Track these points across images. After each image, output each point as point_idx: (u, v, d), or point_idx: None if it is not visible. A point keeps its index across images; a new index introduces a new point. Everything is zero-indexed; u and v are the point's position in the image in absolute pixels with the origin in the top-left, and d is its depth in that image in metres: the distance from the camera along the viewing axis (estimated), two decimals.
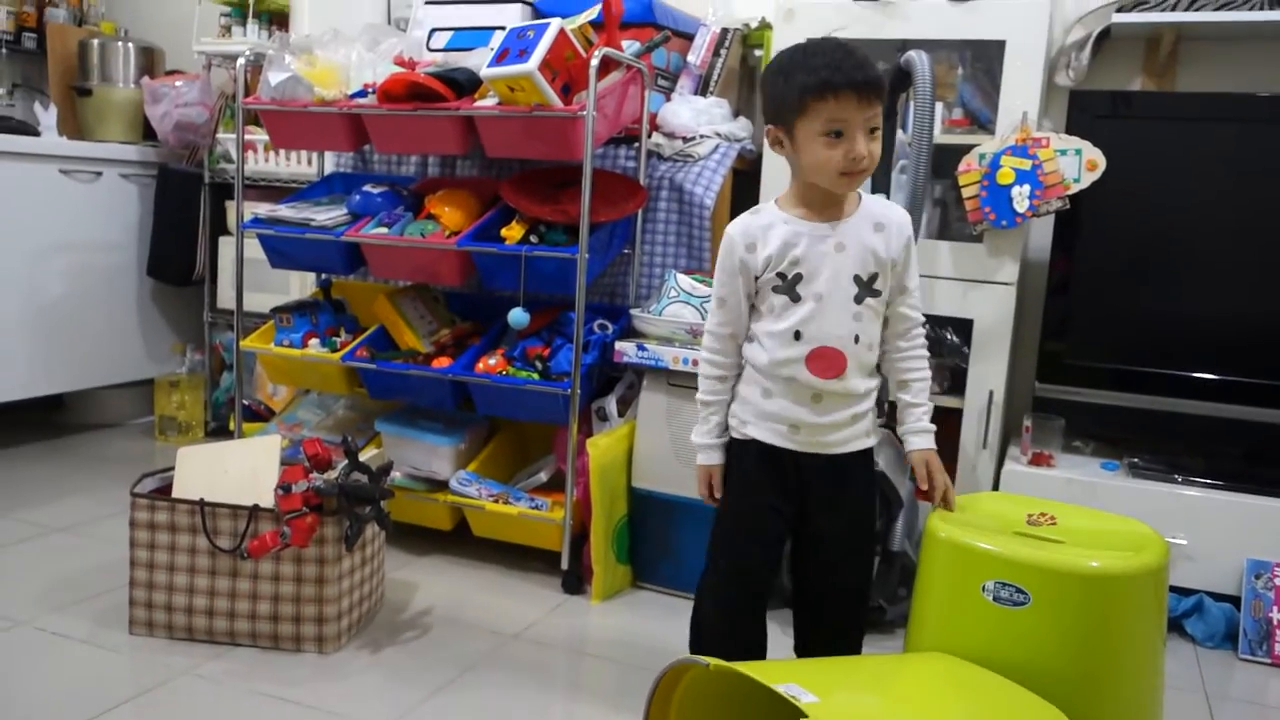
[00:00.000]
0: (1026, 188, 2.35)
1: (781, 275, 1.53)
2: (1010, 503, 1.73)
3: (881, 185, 2.34)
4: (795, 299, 1.53)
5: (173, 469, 2.11)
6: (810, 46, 1.49)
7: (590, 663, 2.09)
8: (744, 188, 2.65)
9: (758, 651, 1.67)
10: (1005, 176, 2.37)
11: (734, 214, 2.64)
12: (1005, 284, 2.44)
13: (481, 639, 2.11)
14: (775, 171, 2.59)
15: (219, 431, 3.55)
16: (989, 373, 2.46)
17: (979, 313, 2.46)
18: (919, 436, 1.62)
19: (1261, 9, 2.40)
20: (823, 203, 1.54)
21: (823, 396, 1.54)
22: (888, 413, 2.28)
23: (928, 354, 1.64)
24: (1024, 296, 2.59)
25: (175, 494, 2.04)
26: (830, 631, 1.66)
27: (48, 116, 3.47)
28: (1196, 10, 2.45)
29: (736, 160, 2.63)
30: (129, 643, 2.02)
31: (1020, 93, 2.39)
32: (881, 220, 1.55)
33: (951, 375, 2.61)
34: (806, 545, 1.64)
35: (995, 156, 2.38)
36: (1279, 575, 2.19)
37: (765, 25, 2.82)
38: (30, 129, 3.39)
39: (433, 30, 2.74)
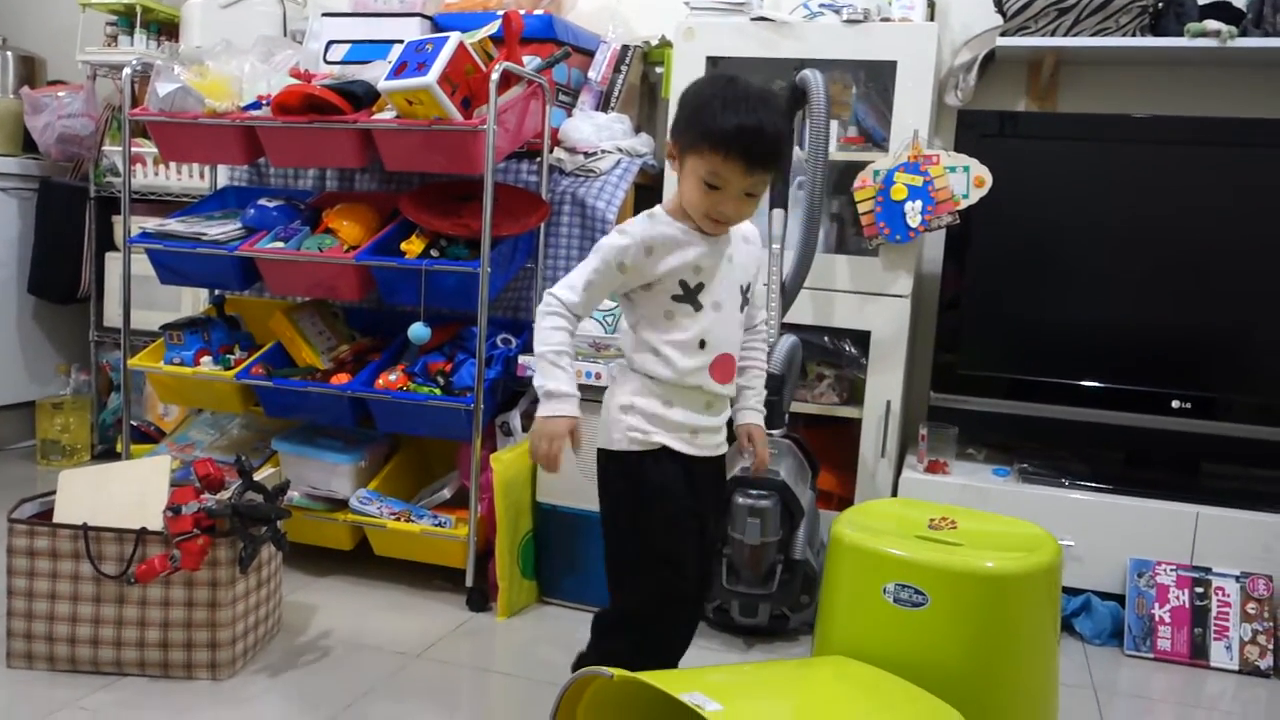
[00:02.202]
0: (919, 203, 2.43)
1: (684, 284, 1.53)
2: (913, 508, 1.77)
3: (780, 201, 2.38)
4: (697, 308, 1.53)
5: (54, 493, 2.01)
6: (732, 94, 1.45)
7: (496, 679, 2.06)
8: (646, 202, 2.64)
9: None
10: (899, 192, 2.44)
11: None
12: (900, 296, 2.51)
13: (384, 660, 2.07)
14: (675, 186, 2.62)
15: (107, 454, 3.40)
16: (886, 383, 2.52)
17: (876, 325, 2.52)
18: (750, 413, 1.69)
19: (1135, 35, 2.53)
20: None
21: (714, 402, 1.57)
22: (790, 424, 2.34)
23: (766, 346, 1.73)
24: (918, 309, 2.66)
25: (56, 519, 1.95)
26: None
27: None
28: (1075, 35, 2.56)
29: (638, 175, 2.65)
30: (6, 676, 1.91)
31: (911, 112, 2.47)
32: (747, 234, 1.62)
33: (850, 386, 2.67)
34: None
35: (889, 173, 2.45)
36: (1160, 574, 2.29)
37: (665, 43, 2.86)
38: None
39: (330, 43, 2.69)
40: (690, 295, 1.53)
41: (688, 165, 1.49)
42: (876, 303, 2.52)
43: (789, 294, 2.38)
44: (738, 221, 1.53)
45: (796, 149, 2.48)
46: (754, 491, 2.13)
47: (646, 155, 2.71)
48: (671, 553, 1.54)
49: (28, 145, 3.45)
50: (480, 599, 2.34)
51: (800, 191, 2.44)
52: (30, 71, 3.55)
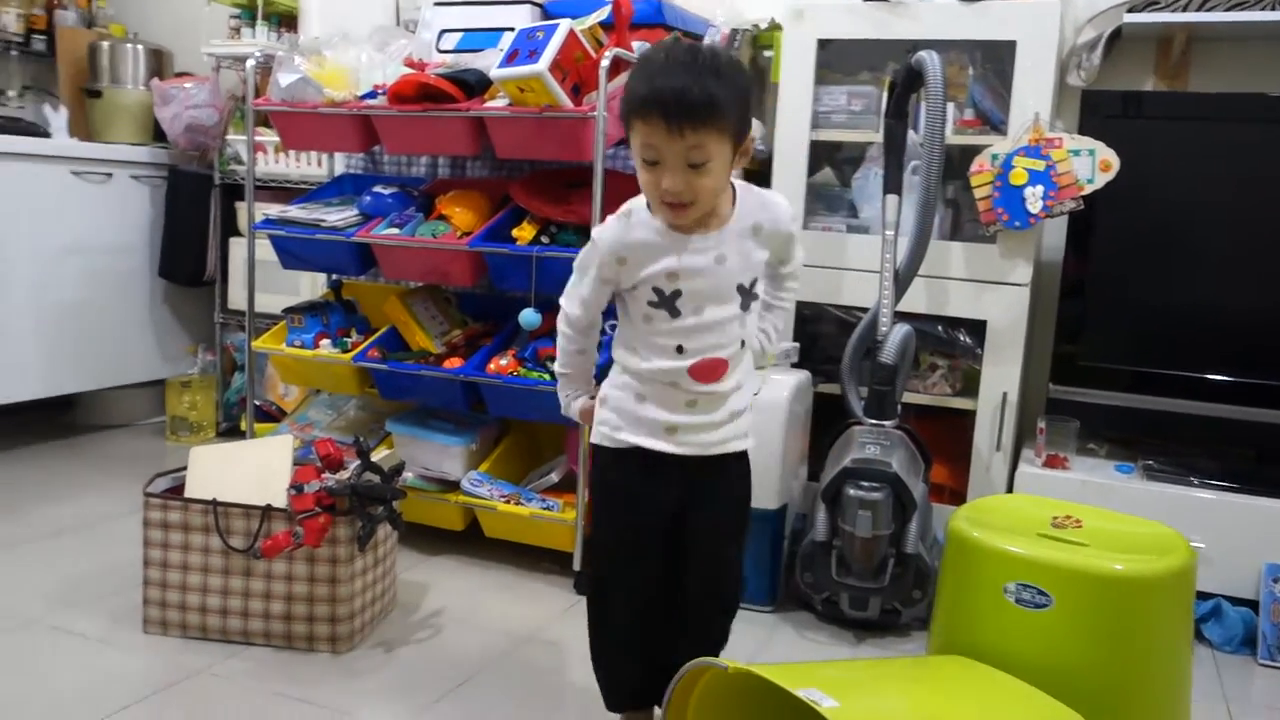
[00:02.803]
0: (1040, 188, 2.35)
1: (658, 291, 1.42)
2: (1034, 505, 1.72)
3: (894, 185, 2.33)
4: (674, 314, 1.43)
5: (185, 469, 2.11)
6: (660, 59, 1.33)
7: None
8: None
9: (661, 660, 1.55)
10: (1018, 177, 2.36)
11: None
12: (1019, 285, 2.43)
13: (494, 640, 2.11)
14: (786, 171, 2.59)
15: (230, 432, 3.55)
16: (1002, 374, 2.45)
17: (992, 314, 2.45)
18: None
19: (1273, 9, 2.39)
20: (706, 211, 1.41)
21: (699, 400, 1.47)
22: (903, 414, 2.29)
23: (791, 303, 1.64)
24: (1038, 297, 2.58)
25: (188, 494, 2.04)
26: (693, 626, 1.60)
27: (58, 118, 3.48)
28: (1208, 10, 2.44)
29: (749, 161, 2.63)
30: (144, 642, 2.02)
31: (1032, 93, 2.39)
32: (759, 221, 1.44)
33: (964, 377, 2.60)
34: (682, 543, 1.56)
35: (1008, 157, 2.38)
36: None
37: (775, 26, 2.82)
38: (41, 130, 3.40)
39: (442, 31, 2.73)
40: (666, 302, 1.43)
41: (631, 147, 1.38)
42: (993, 291, 2.45)
43: (902, 282, 2.33)
44: (693, 201, 1.34)
45: (911, 132, 2.42)
46: (865, 484, 2.10)
47: (756, 140, 2.68)
48: (613, 549, 1.57)
49: (157, 135, 3.61)
50: (587, 583, 2.36)
51: (915, 177, 2.39)
52: (159, 64, 3.70)
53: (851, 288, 2.57)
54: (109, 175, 3.40)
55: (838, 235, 2.61)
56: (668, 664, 1.47)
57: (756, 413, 2.28)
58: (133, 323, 3.54)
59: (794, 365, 2.47)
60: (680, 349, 1.44)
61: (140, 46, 3.68)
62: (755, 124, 2.69)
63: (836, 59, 2.64)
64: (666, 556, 1.56)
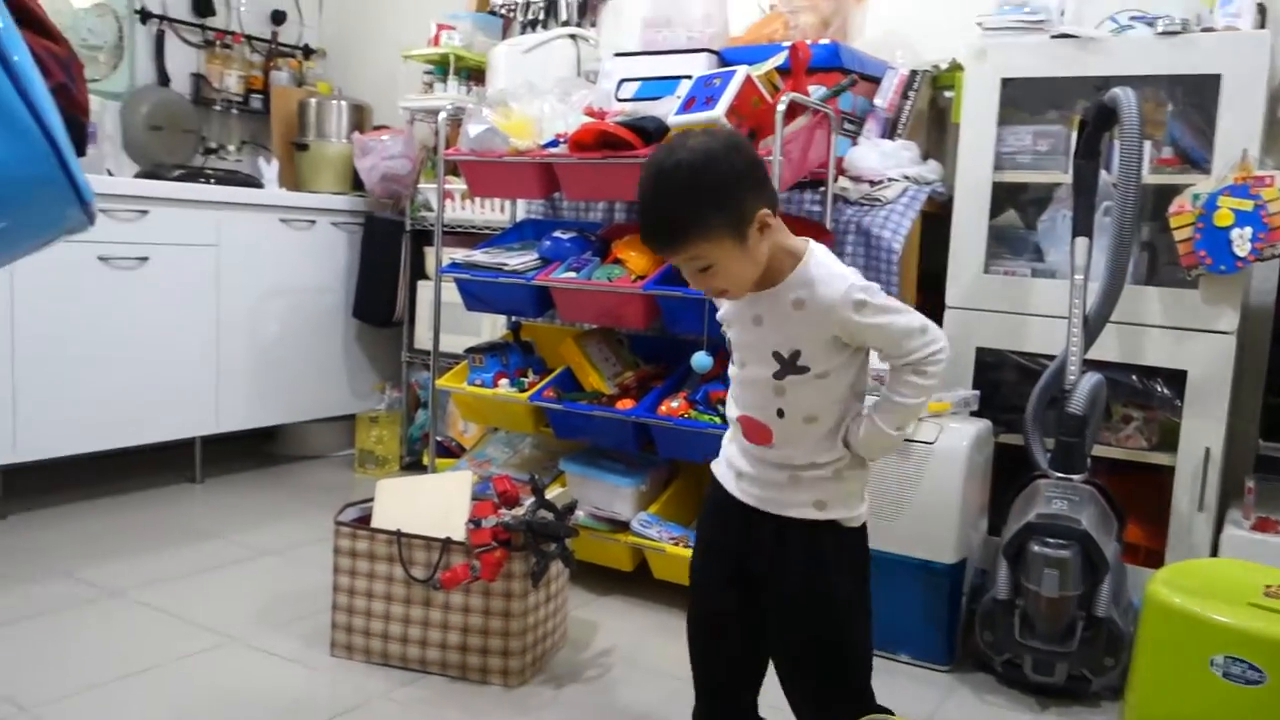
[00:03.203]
0: (1248, 230, 2.19)
1: (725, 334, 1.51)
2: (1244, 571, 1.59)
3: (1084, 228, 2.23)
4: (735, 363, 1.48)
5: (372, 500, 2.22)
6: (645, 165, 1.35)
7: (769, 715, 2.04)
8: (934, 231, 2.59)
9: (723, 694, 1.55)
10: (1223, 218, 2.21)
11: (924, 258, 2.61)
12: (1224, 333, 2.27)
13: (661, 683, 2.11)
14: (967, 213, 2.52)
15: (413, 466, 3.71)
16: (1205, 428, 2.28)
17: (1193, 363, 2.29)
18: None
19: None
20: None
21: (755, 453, 1.45)
22: (1093, 468, 2.17)
23: (909, 387, 1.38)
24: (1245, 346, 2.40)
25: (374, 524, 2.14)
26: (799, 703, 1.50)
27: (270, 170, 3.77)
28: None
29: (926, 203, 2.57)
30: (330, 664, 2.12)
31: (1239, 129, 2.24)
32: (802, 297, 1.36)
33: (1161, 430, 2.44)
34: (766, 610, 1.49)
35: (1211, 197, 2.23)
36: None
37: (956, 66, 2.76)
38: (255, 181, 3.69)
39: (621, 81, 2.81)
40: (729, 345, 1.50)
41: None
42: (1195, 339, 2.29)
43: (1093, 328, 2.22)
44: (719, 295, 1.40)
45: (1104, 172, 2.31)
46: (1052, 540, 2.00)
47: (935, 182, 2.63)
48: (693, 569, 1.57)
49: (356, 184, 3.85)
50: None
51: (1107, 218, 2.28)
52: (360, 118, 3.96)
53: (1036, 334, 2.46)
54: (312, 222, 3.65)
55: (1022, 279, 2.51)
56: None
57: (935, 461, 2.23)
58: (328, 360, 3.77)
59: (973, 413, 2.38)
60: (736, 398, 1.47)
61: (344, 102, 3.95)
62: (930, 167, 2.65)
63: (1021, 98, 2.55)
64: (744, 615, 1.50)
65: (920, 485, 2.21)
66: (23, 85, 0.92)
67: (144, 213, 3.11)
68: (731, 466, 1.49)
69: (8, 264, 1.00)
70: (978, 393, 2.42)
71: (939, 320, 2.52)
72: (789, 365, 1.38)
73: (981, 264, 2.51)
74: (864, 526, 1.47)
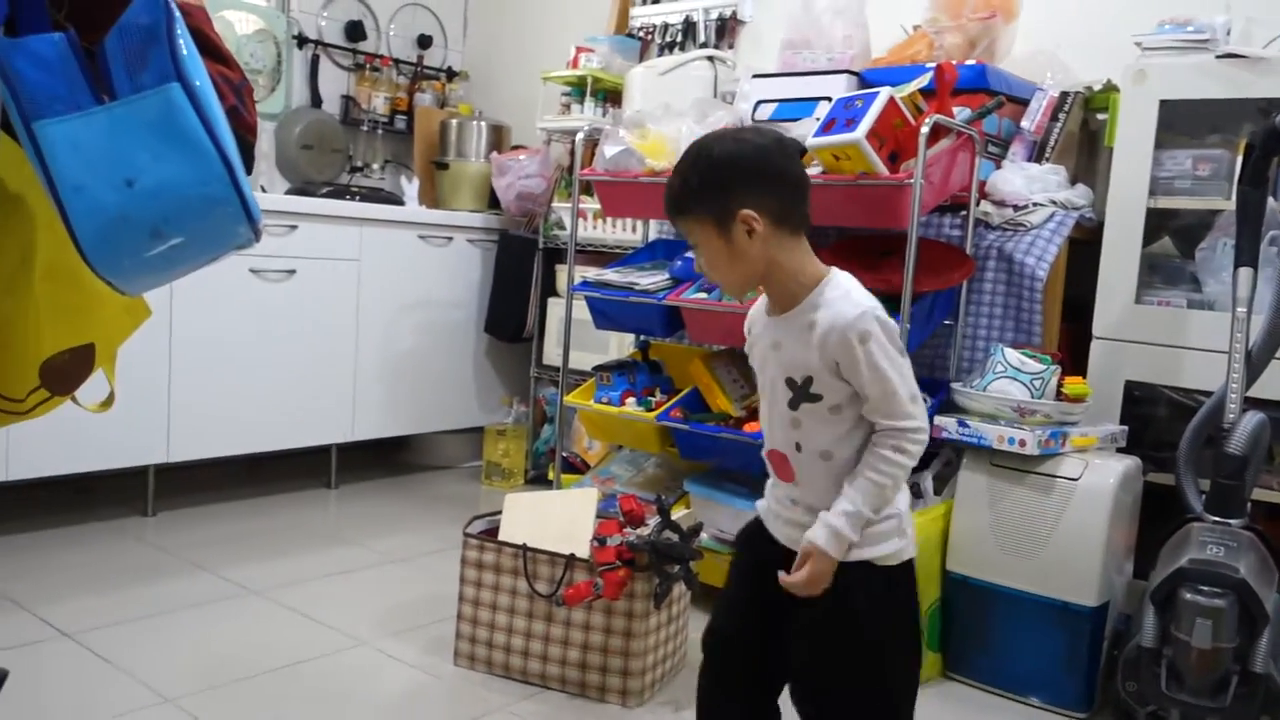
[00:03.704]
0: None
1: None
2: None
3: (1249, 258, 2.10)
4: (760, 392, 1.48)
5: (500, 513, 2.24)
6: None
7: None
8: (1082, 258, 2.48)
9: None
10: None
11: (1069, 286, 2.50)
12: None
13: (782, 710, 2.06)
14: (1118, 240, 2.40)
15: (538, 480, 3.76)
16: None
17: None
18: (817, 528, 1.34)
19: None
20: (772, 292, 1.43)
21: (782, 488, 1.44)
22: (1252, 514, 2.03)
23: (888, 464, 1.34)
24: None
25: (501, 537, 2.17)
26: None
27: (411, 188, 3.90)
28: None
29: (1074, 229, 2.47)
30: (452, 673, 2.15)
31: None
32: (813, 320, 1.35)
33: None
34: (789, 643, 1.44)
35: None
36: None
37: (1111, 88, 2.64)
38: (397, 199, 3.82)
39: (758, 102, 2.80)
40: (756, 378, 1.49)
41: None
42: None
43: (1256, 365, 2.08)
44: (717, 282, 1.46)
45: (1271, 200, 2.17)
46: (1206, 588, 1.87)
47: (1084, 208, 2.52)
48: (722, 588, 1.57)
49: (492, 202, 3.94)
50: None
51: (1273, 248, 2.14)
52: (498, 138, 4.06)
53: (1191, 368, 2.32)
54: (449, 239, 3.75)
55: (1177, 310, 2.38)
56: None
57: (1080, 497, 2.12)
58: (459, 373, 3.86)
59: (1120, 450, 2.27)
60: (764, 432, 1.47)
61: (484, 123, 4.06)
62: (1079, 191, 2.54)
63: (1180, 120, 2.43)
64: (760, 638, 1.47)
65: (1062, 522, 2.11)
66: (203, 110, 0.97)
67: (293, 228, 3.25)
68: (769, 505, 1.49)
69: (182, 277, 1.05)
70: (1125, 428, 2.30)
71: (1085, 353, 2.42)
72: (802, 393, 1.37)
73: (1133, 294, 2.39)
74: (906, 564, 1.40)
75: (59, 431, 2.66)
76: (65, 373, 1.24)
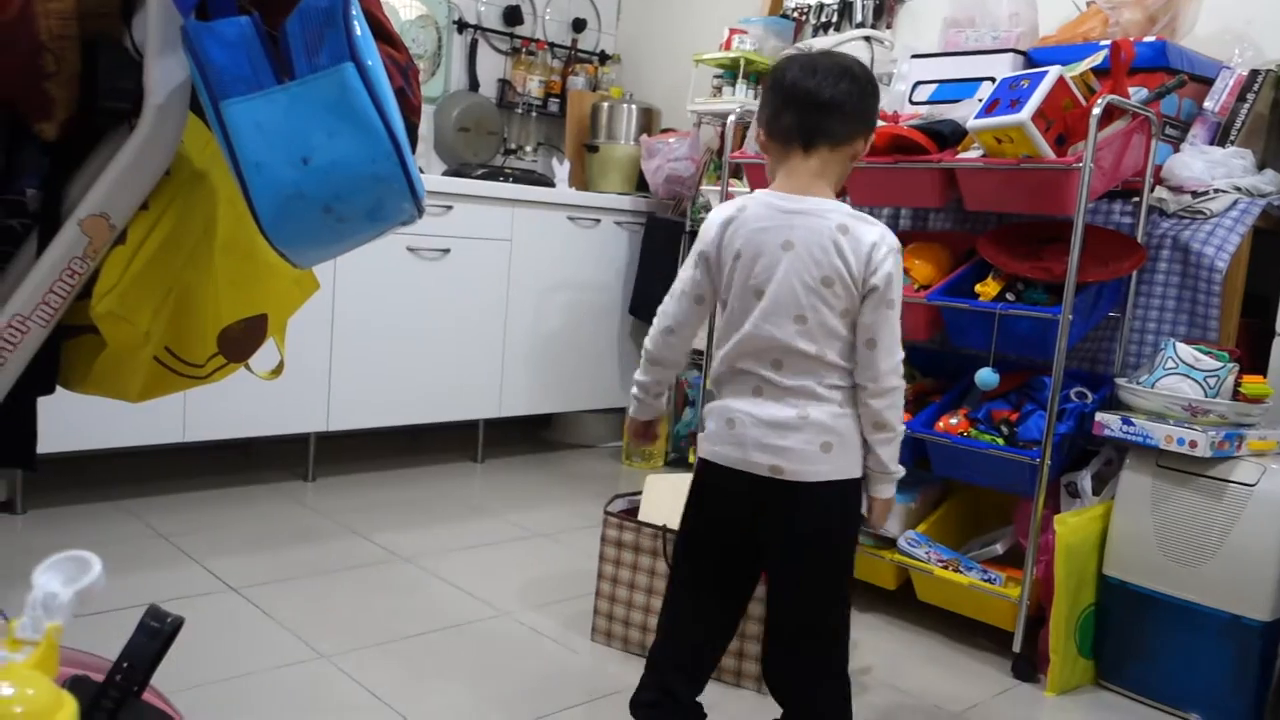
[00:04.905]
0: None
1: None
2: None
3: None
4: None
5: (640, 493, 2.26)
6: None
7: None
8: (1267, 249, 2.31)
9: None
10: None
11: (1250, 278, 2.33)
12: None
13: (918, 713, 2.01)
14: None
15: (677, 462, 3.77)
16: None
17: None
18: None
19: None
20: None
21: None
22: None
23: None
24: None
25: (641, 517, 2.18)
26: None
27: (562, 170, 3.95)
28: None
29: (1259, 218, 2.30)
30: (588, 648, 2.19)
31: None
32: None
33: None
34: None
35: None
36: None
37: None
38: (548, 181, 3.88)
39: (916, 83, 2.72)
40: None
41: None
42: None
43: None
44: None
45: None
46: None
47: (1272, 194, 2.34)
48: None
49: (640, 185, 3.96)
50: (1028, 668, 2.19)
51: None
52: (648, 121, 4.07)
53: None
54: (597, 221, 3.79)
55: None
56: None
57: (1255, 505, 1.98)
58: (603, 353, 3.90)
59: None
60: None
61: (634, 106, 4.08)
62: (1267, 177, 2.36)
63: None
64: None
65: (1235, 530, 1.98)
66: (374, 89, 1.00)
67: (449, 208, 3.34)
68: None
69: (350, 250, 1.09)
70: None
71: (1266, 350, 2.26)
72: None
73: None
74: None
75: (230, 398, 2.82)
76: (240, 341, 1.31)
